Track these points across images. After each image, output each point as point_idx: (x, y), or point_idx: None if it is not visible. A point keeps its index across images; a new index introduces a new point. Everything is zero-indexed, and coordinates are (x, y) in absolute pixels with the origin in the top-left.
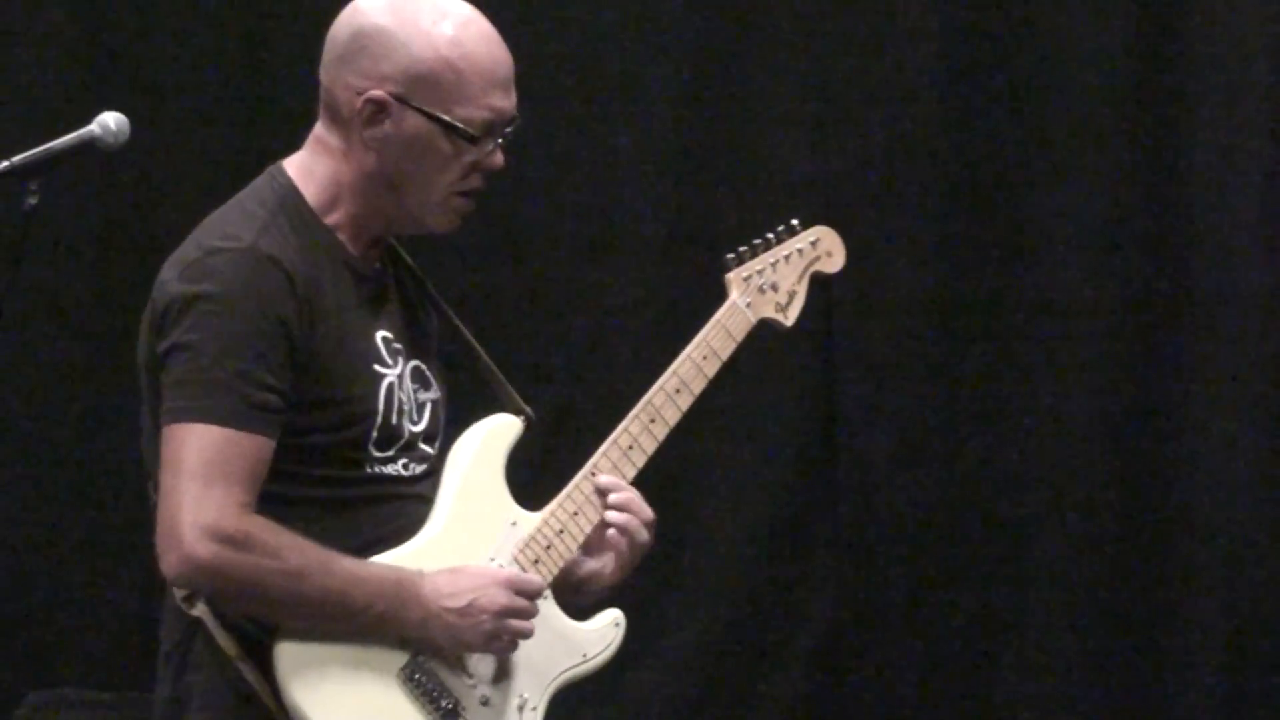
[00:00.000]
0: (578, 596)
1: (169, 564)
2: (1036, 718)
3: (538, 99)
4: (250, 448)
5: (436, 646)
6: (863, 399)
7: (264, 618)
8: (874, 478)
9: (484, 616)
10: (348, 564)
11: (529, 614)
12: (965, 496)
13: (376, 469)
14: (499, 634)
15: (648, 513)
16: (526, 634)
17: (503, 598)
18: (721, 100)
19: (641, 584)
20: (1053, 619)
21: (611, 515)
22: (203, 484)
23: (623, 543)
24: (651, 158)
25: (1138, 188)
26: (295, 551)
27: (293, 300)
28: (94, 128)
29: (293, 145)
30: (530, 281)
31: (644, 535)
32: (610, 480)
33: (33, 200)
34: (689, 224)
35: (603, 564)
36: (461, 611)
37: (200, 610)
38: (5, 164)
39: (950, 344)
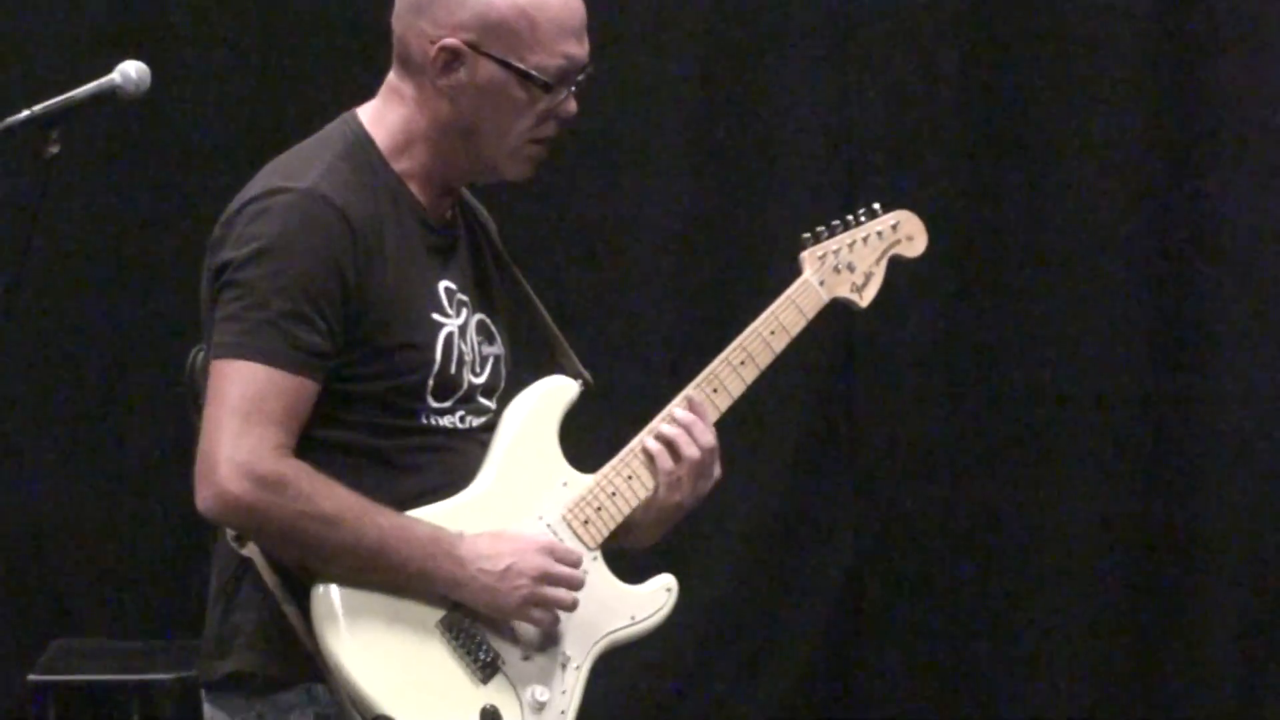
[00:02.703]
0: (633, 537)
1: (203, 498)
2: (1055, 673)
3: None
4: (292, 389)
5: (471, 608)
6: (882, 351)
7: (298, 561)
8: (892, 414)
9: (522, 581)
10: (387, 517)
11: (569, 582)
12: (982, 431)
13: (432, 420)
14: (535, 600)
15: (709, 437)
16: (565, 604)
17: (542, 563)
18: (743, 59)
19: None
20: (1079, 580)
21: (664, 428)
22: (242, 421)
23: (668, 462)
24: (675, 122)
25: (1162, 144)
26: (330, 498)
27: (349, 243)
28: (115, 77)
29: (314, 96)
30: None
31: (692, 450)
32: (699, 401)
33: (54, 149)
34: (722, 183)
35: (664, 491)
36: (500, 575)
37: (250, 550)
38: (26, 113)
39: (968, 279)
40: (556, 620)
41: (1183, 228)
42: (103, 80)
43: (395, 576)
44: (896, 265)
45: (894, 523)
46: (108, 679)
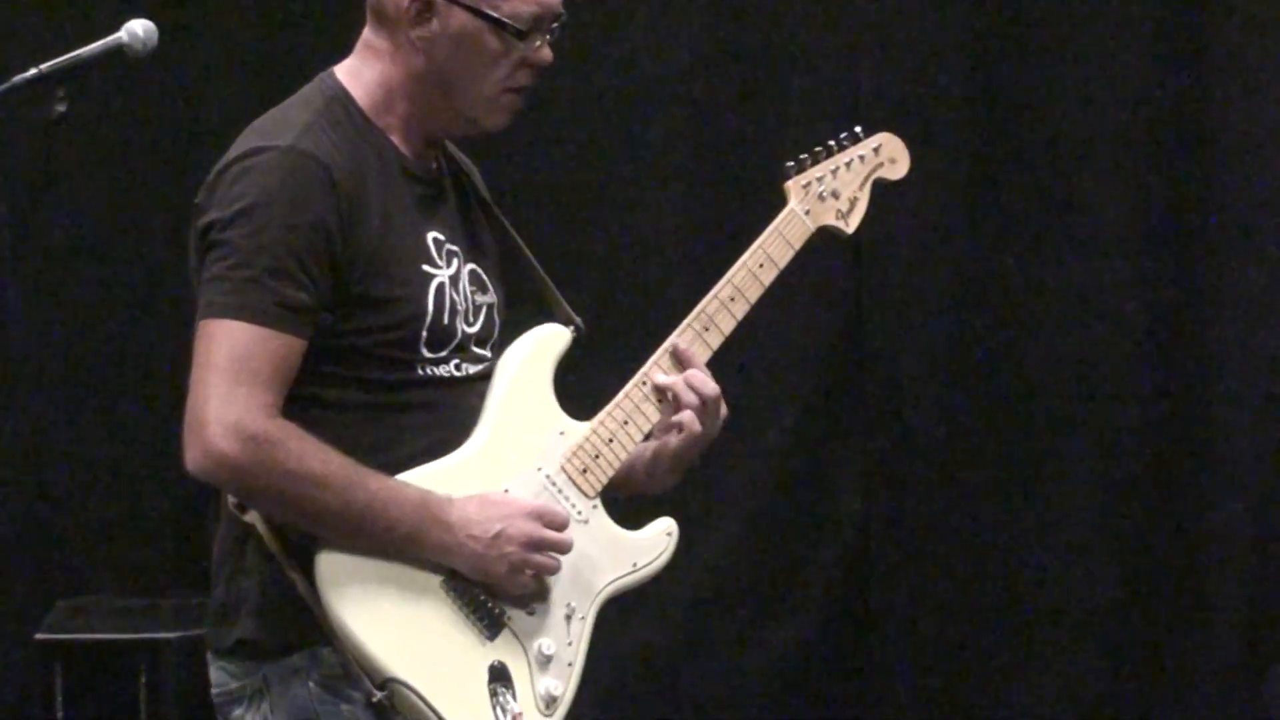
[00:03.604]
0: (651, 482)
1: (191, 457)
2: (1065, 631)
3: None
4: (279, 348)
5: (460, 573)
6: (890, 307)
7: (288, 522)
8: (902, 384)
9: (510, 548)
10: (376, 480)
11: (557, 547)
12: (995, 403)
13: (429, 370)
14: (524, 566)
15: (709, 386)
16: (551, 569)
17: (530, 529)
18: (750, 14)
19: (675, 498)
20: (1083, 530)
21: (660, 378)
22: (230, 381)
23: (683, 415)
24: (678, 73)
25: (1170, 98)
26: (319, 460)
27: (332, 199)
28: (122, 35)
29: (321, 54)
30: (570, 198)
31: (692, 396)
32: (686, 349)
33: (61, 108)
34: (717, 136)
35: (665, 439)
36: (488, 542)
37: (253, 516)
38: (34, 71)
39: (980, 246)
40: (545, 584)
41: (1196, 208)
42: (110, 38)
43: (385, 541)
44: (882, 192)
45: (904, 481)
46: (114, 638)
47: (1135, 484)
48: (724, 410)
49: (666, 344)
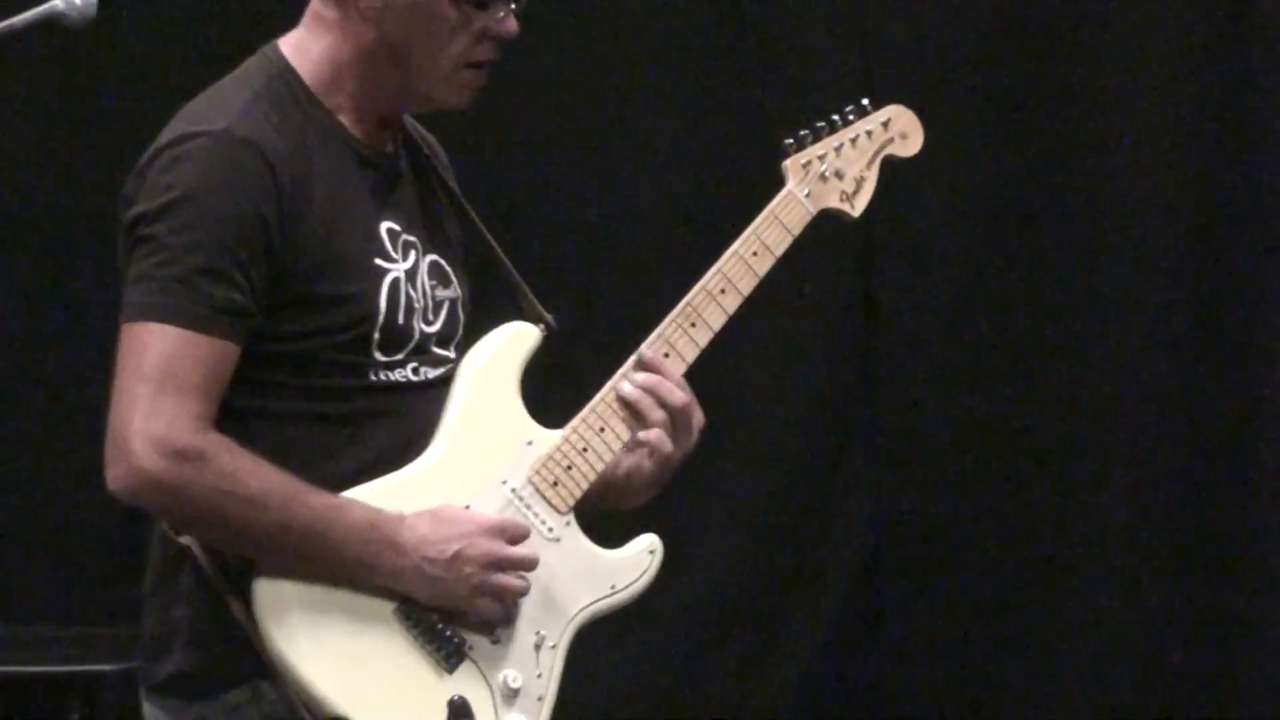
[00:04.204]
0: (624, 500)
1: (114, 476)
2: (1089, 679)
3: None
4: (211, 353)
5: (416, 599)
6: (904, 296)
7: (223, 547)
8: (915, 380)
9: (470, 569)
10: (319, 498)
11: (522, 565)
12: (1012, 402)
13: (382, 375)
14: (486, 588)
15: (676, 397)
16: (518, 591)
17: (491, 547)
18: None
19: (668, 506)
20: (1113, 535)
21: (625, 388)
22: (156, 391)
23: (650, 434)
24: (666, 37)
25: (1205, 76)
26: (256, 477)
27: (272, 189)
28: (58, 2)
29: (271, 25)
30: (546, 178)
31: (658, 413)
32: (651, 356)
33: None
34: (713, 110)
35: (638, 457)
36: (446, 564)
37: (188, 539)
38: None
39: (998, 237)
40: (510, 608)
41: (1234, 191)
42: (45, 6)
43: (330, 564)
44: (891, 169)
45: (913, 508)
46: (46, 670)
47: (1169, 486)
48: (699, 419)
49: (647, 343)
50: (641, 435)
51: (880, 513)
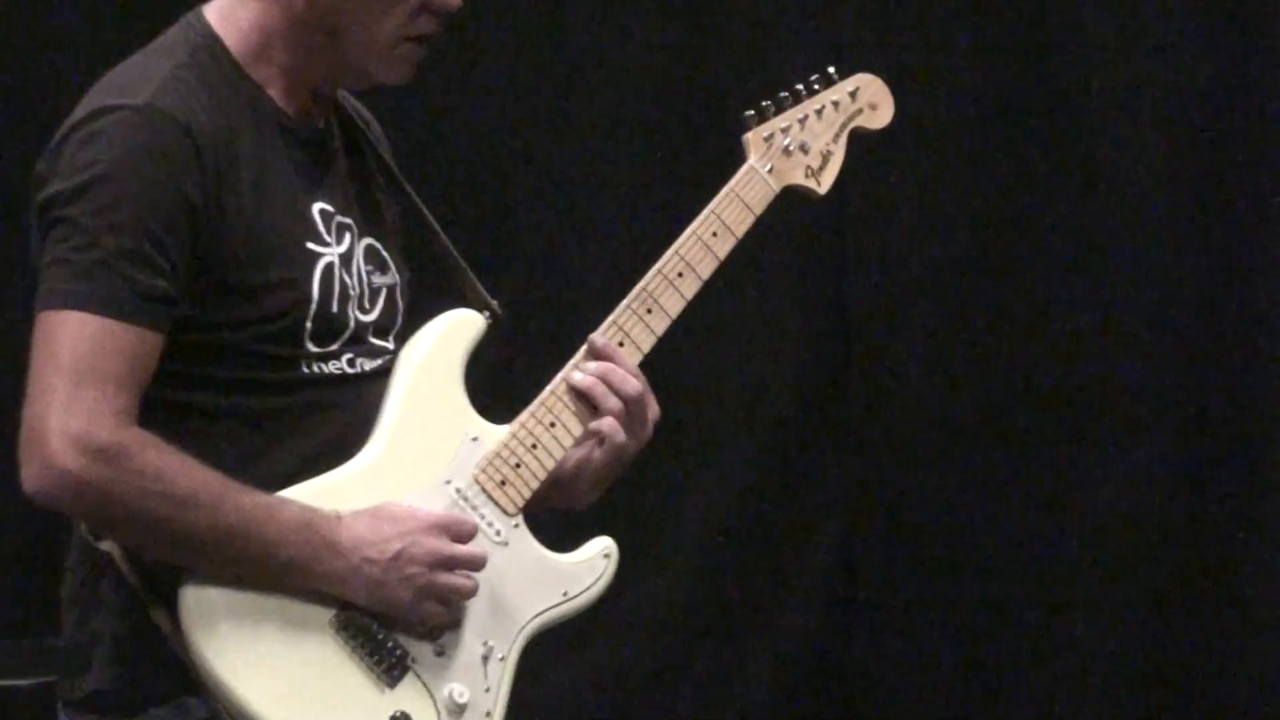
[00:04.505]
0: (573, 496)
1: (29, 475)
2: (1078, 682)
3: None
4: (133, 342)
5: (357, 604)
6: (879, 287)
7: (147, 551)
8: (891, 372)
9: (413, 570)
10: (250, 497)
11: (469, 564)
12: (993, 398)
13: (316, 367)
14: (431, 590)
15: (630, 385)
16: (465, 591)
17: (435, 545)
18: None
19: (625, 507)
20: (1097, 551)
21: (576, 377)
22: (74, 384)
23: (602, 423)
24: (627, 7)
25: (1205, 64)
26: (183, 475)
27: (196, 166)
28: None
29: None
30: (491, 153)
31: (612, 401)
32: (603, 344)
33: None
34: (668, 80)
35: (588, 447)
36: (386, 565)
37: (109, 545)
38: None
39: (980, 228)
40: (458, 612)
41: (1241, 173)
42: None
43: (262, 569)
44: (860, 142)
45: (891, 505)
46: None
47: (1166, 490)
48: (654, 410)
49: (599, 331)
50: (593, 424)
51: (856, 511)
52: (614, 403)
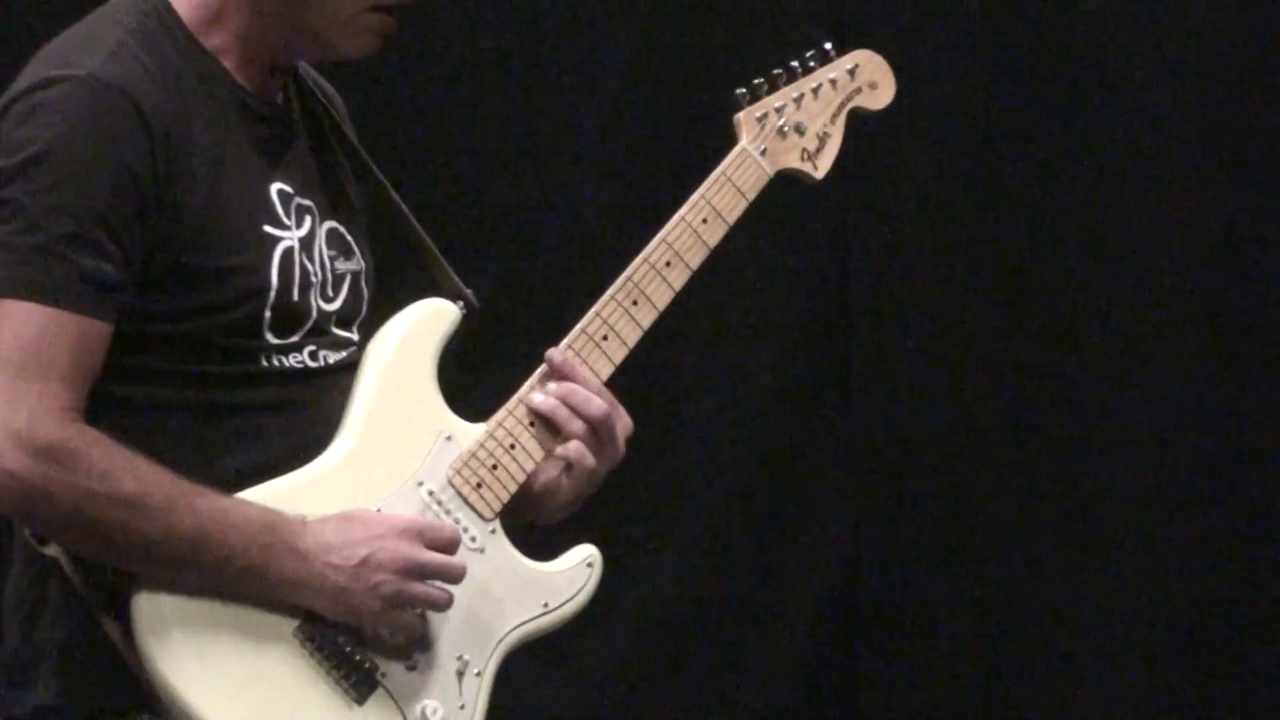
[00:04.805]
0: (539, 515)
1: None
2: (1102, 687)
3: None
4: (79, 333)
5: (321, 613)
6: (882, 276)
7: (96, 557)
8: (895, 378)
9: (381, 577)
10: (207, 499)
11: (444, 573)
12: (1004, 394)
13: (275, 360)
14: (401, 599)
15: (594, 406)
16: (438, 602)
17: (407, 552)
18: None
19: (613, 508)
20: (1114, 551)
21: (536, 399)
22: (15, 378)
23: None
24: None
25: (1235, 35)
26: (132, 476)
27: (146, 142)
28: None
29: None
30: (472, 128)
31: (576, 424)
32: (561, 361)
33: None
34: (655, 57)
35: (559, 473)
36: (353, 572)
37: (55, 549)
38: None
39: (989, 215)
40: (430, 624)
41: (1261, 170)
42: None
43: (220, 576)
44: (859, 123)
45: (897, 502)
46: None
47: (1190, 490)
48: (625, 425)
49: (582, 324)
50: (559, 450)
51: (860, 508)
52: (577, 425)
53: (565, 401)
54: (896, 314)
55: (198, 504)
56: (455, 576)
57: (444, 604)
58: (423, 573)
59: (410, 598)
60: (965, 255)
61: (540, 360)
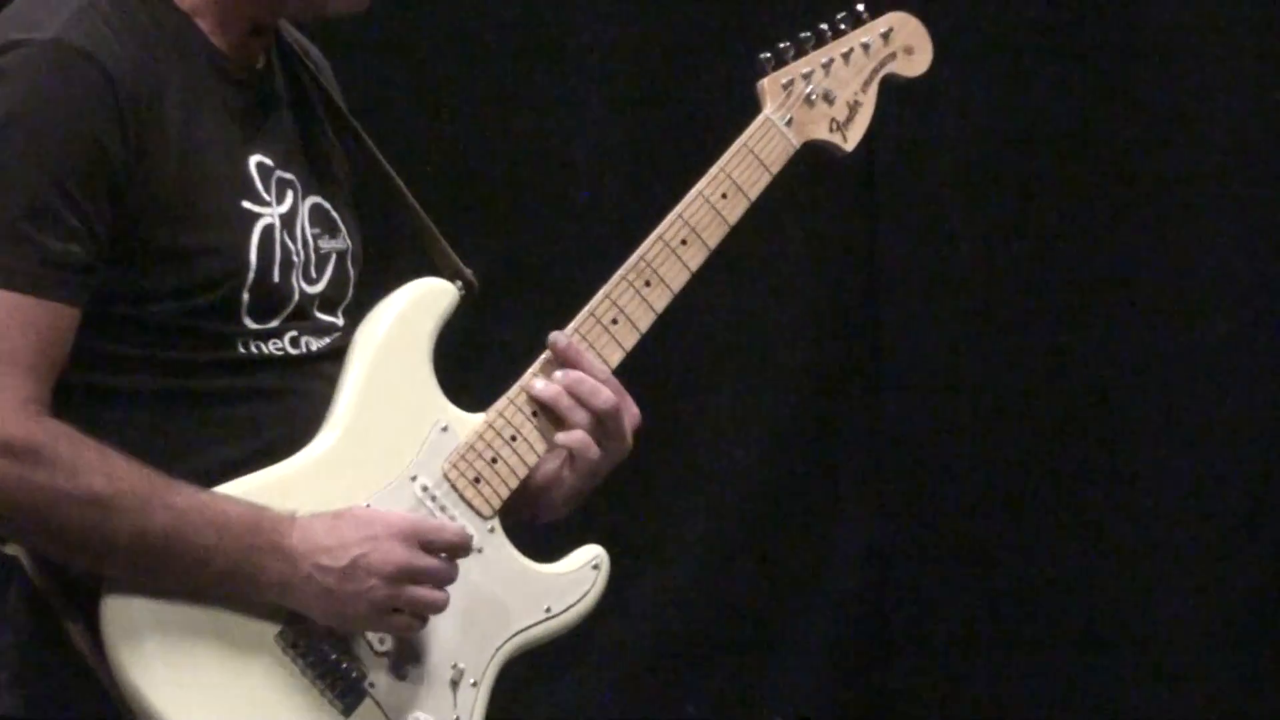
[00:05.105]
0: (540, 511)
1: None
2: (1157, 690)
3: None
4: (44, 320)
5: (306, 618)
6: (913, 264)
7: (62, 558)
8: (926, 361)
9: (372, 582)
10: (184, 495)
11: (438, 577)
12: (1041, 388)
13: (254, 347)
14: (394, 605)
15: (601, 397)
16: (433, 606)
17: (401, 554)
18: None
19: (623, 505)
20: (1163, 547)
21: (538, 386)
22: None
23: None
24: None
25: None
26: (102, 471)
27: (114, 111)
28: None
29: None
30: (472, 90)
31: (580, 415)
32: (566, 346)
33: None
34: (671, 18)
35: (560, 465)
36: (342, 574)
37: (16, 548)
38: None
39: (1030, 190)
40: (423, 636)
41: None
42: None
43: (197, 578)
44: (893, 91)
45: (928, 494)
46: None
47: (1244, 495)
48: (633, 417)
49: (590, 306)
50: (560, 438)
51: (888, 500)
52: (581, 415)
53: (570, 390)
54: (927, 295)
55: (174, 500)
56: (449, 580)
57: (439, 607)
58: (418, 577)
59: (404, 603)
60: (1003, 229)
61: (540, 343)
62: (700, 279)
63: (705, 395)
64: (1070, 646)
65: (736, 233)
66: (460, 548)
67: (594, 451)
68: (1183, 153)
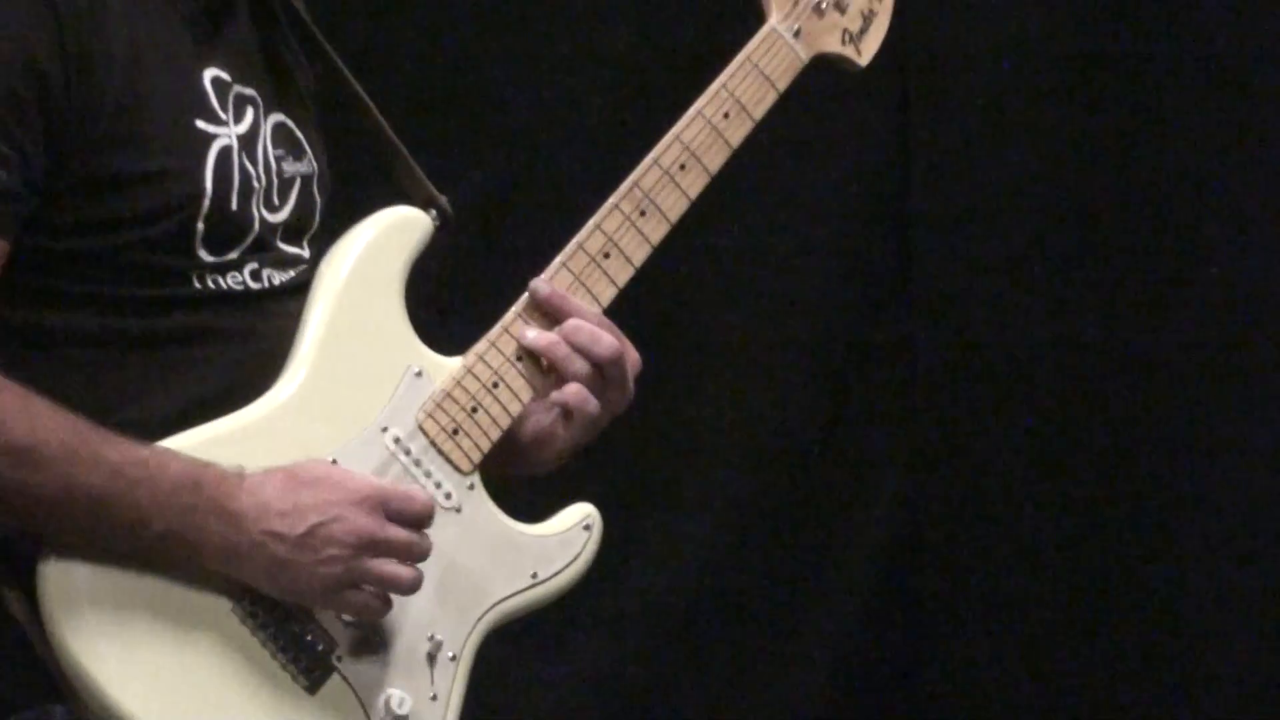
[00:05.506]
0: (529, 466)
1: None
2: (1203, 676)
3: None
4: None
5: (256, 589)
6: (950, 206)
7: None
8: (959, 326)
9: (332, 552)
10: (121, 450)
11: (408, 551)
12: (1084, 357)
13: (210, 281)
14: (355, 580)
15: (603, 344)
16: (401, 584)
17: (365, 523)
18: None
19: (624, 467)
20: (1216, 536)
21: (530, 335)
22: None
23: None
24: None
25: None
26: (25, 420)
27: (52, 26)
28: None
29: None
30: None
31: (578, 364)
32: (548, 294)
33: None
34: None
35: (552, 418)
36: (297, 542)
37: None
38: None
39: (1075, 138)
40: (386, 606)
41: None
42: None
43: (136, 542)
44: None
45: (960, 468)
46: None
47: None
48: (634, 362)
49: (579, 238)
50: (555, 396)
51: (917, 474)
52: (579, 364)
53: (567, 338)
54: (962, 243)
55: (105, 454)
56: (422, 555)
57: (410, 586)
58: (385, 549)
59: (369, 578)
60: (1045, 180)
61: (523, 281)
62: (725, 213)
63: (717, 350)
64: (1111, 612)
65: (760, 164)
66: (427, 517)
67: (592, 405)
68: (1256, 108)
